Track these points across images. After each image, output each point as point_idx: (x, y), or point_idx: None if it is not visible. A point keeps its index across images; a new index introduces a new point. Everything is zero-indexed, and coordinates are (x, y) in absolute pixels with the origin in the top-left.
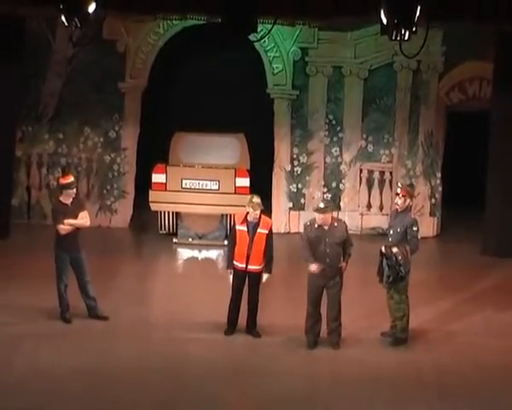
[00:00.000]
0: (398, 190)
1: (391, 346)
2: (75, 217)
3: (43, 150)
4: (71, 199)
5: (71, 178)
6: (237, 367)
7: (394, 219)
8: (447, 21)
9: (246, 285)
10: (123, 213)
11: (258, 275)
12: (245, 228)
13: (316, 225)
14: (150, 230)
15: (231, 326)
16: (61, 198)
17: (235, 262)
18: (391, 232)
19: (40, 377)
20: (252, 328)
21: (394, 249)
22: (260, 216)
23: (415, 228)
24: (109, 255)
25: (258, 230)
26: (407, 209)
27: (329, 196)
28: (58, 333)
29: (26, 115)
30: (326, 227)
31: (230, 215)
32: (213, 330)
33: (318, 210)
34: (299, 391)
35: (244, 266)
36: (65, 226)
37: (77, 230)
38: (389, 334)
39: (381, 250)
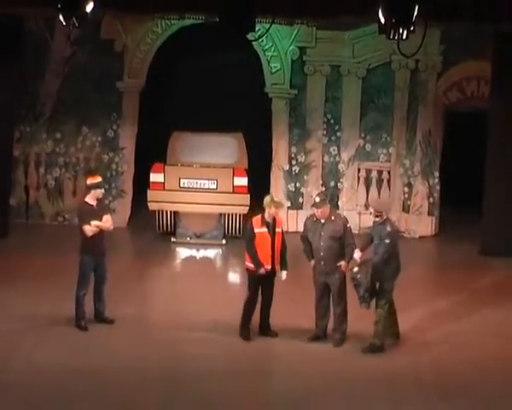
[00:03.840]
0: (372, 211)
1: (362, 352)
2: (100, 219)
3: (41, 150)
4: (96, 201)
5: (99, 178)
6: (237, 367)
7: (375, 231)
8: (445, 21)
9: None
10: (121, 212)
11: (274, 273)
12: (265, 229)
13: (314, 219)
14: (148, 229)
15: (249, 330)
16: (87, 199)
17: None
18: (375, 242)
19: (40, 377)
20: (268, 328)
21: (354, 269)
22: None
23: (387, 240)
24: (107, 255)
25: (276, 229)
26: (385, 220)
27: (324, 189)
28: (57, 333)
29: (23, 115)
30: (323, 220)
31: (229, 215)
32: (212, 329)
33: (315, 205)
34: (298, 391)
35: (270, 267)
36: (92, 228)
37: (102, 232)
38: (388, 335)
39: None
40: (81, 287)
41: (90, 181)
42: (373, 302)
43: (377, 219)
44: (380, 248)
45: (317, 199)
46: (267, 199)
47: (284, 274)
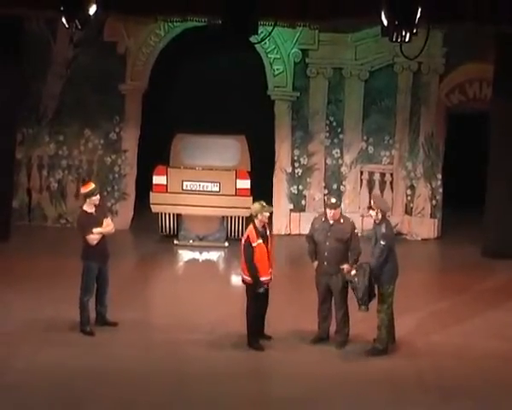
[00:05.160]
0: (372, 203)
1: (365, 355)
2: (101, 224)
3: (44, 152)
4: (94, 207)
5: (92, 185)
6: (239, 369)
7: (373, 232)
8: (448, 23)
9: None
10: (124, 214)
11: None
12: (261, 241)
13: (322, 219)
14: (151, 231)
15: (259, 340)
16: (85, 207)
17: (262, 278)
18: (372, 244)
19: (41, 379)
20: (262, 334)
21: (352, 272)
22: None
23: (382, 242)
24: (110, 257)
25: (267, 234)
26: (382, 221)
27: (326, 192)
28: (59, 335)
29: (26, 117)
30: (332, 222)
31: (231, 217)
32: (214, 331)
33: (330, 206)
34: (300, 393)
35: (270, 277)
36: (94, 236)
37: (104, 237)
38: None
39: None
40: (85, 293)
41: (83, 190)
42: (372, 305)
43: (370, 212)
44: (375, 249)
45: (333, 200)
46: (257, 207)
47: None
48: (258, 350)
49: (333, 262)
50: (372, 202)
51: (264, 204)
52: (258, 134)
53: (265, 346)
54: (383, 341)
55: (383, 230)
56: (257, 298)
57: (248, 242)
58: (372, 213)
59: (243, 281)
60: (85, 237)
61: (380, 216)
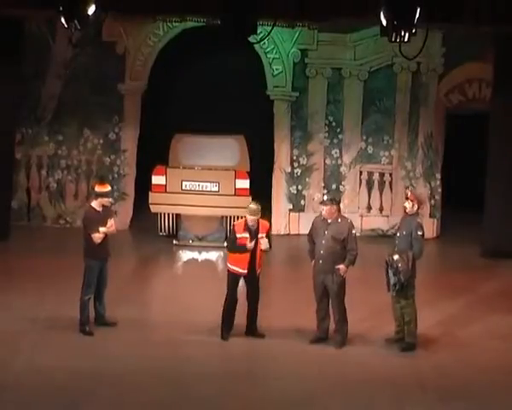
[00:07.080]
0: (408, 194)
1: (401, 352)
2: (105, 224)
3: (43, 152)
4: (102, 207)
5: (108, 187)
6: (236, 369)
7: (402, 223)
8: (447, 23)
9: (243, 287)
10: (123, 214)
11: (256, 275)
12: (247, 235)
13: (322, 217)
14: (150, 232)
15: (229, 331)
16: (94, 205)
17: (235, 267)
18: (398, 235)
19: (39, 379)
20: (255, 329)
21: (395, 257)
22: (258, 221)
23: (419, 232)
24: (110, 256)
25: (259, 235)
26: (415, 214)
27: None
28: (58, 335)
29: (25, 117)
30: (329, 221)
31: (230, 217)
32: (213, 331)
33: (322, 202)
34: (297, 393)
35: (246, 271)
36: (100, 235)
37: (106, 236)
38: (395, 339)
39: (385, 259)
40: (86, 291)
41: (98, 189)
42: (373, 304)
43: (406, 204)
44: (415, 242)
45: (325, 197)
46: (255, 208)
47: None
48: (223, 339)
49: (328, 261)
50: (409, 193)
51: (255, 208)
52: (258, 134)
53: (263, 346)
54: (414, 334)
55: (418, 220)
56: (233, 290)
57: (234, 231)
58: (408, 204)
59: (227, 269)
60: (89, 235)
61: (415, 208)
